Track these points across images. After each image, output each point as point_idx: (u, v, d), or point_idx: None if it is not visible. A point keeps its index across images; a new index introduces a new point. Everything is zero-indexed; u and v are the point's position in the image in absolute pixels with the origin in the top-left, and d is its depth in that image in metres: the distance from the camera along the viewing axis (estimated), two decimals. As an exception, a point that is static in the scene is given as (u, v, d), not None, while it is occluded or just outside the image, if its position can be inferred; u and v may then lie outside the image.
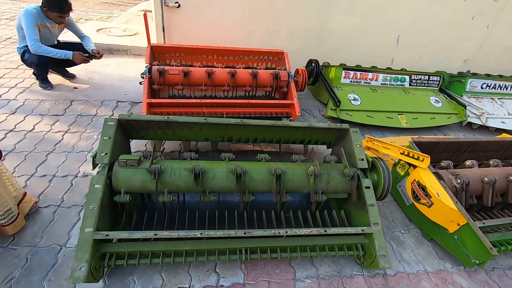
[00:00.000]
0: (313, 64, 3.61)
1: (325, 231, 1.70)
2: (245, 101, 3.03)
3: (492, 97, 4.01)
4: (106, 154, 1.65)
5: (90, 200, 1.52)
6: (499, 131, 3.82)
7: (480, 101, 3.90)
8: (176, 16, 3.69)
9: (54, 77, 3.45)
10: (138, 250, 1.55)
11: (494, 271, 1.98)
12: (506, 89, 4.04)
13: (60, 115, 2.86)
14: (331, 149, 2.42)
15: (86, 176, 2.22)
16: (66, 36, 3.66)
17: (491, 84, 3.97)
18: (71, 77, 3.55)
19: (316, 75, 3.55)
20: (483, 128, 3.83)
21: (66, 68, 3.51)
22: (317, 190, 1.85)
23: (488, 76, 4.11)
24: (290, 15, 3.93)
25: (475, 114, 3.72)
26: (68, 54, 3.08)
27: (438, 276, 1.87)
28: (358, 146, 1.98)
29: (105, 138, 1.71)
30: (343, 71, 3.47)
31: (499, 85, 4.02)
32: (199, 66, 3.15)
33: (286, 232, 1.64)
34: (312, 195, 1.81)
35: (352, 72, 3.51)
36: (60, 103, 3.04)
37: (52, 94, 3.20)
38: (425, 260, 1.98)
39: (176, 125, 1.93)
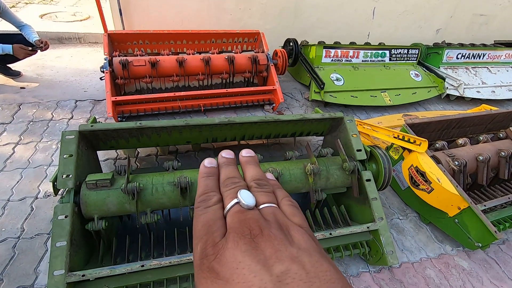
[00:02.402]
0: (291, 44, 3.36)
1: (330, 234, 1.57)
2: (223, 90, 2.77)
3: (466, 66, 4.03)
4: (69, 176, 1.37)
5: (56, 236, 1.26)
6: (474, 101, 3.89)
7: (456, 72, 3.91)
8: (134, -4, 3.23)
9: (-6, 77, 2.94)
10: (124, 285, 1.33)
11: (490, 247, 2.00)
12: (479, 57, 4.08)
13: (8, 123, 2.43)
14: (322, 137, 2.28)
15: (49, 196, 1.90)
16: (1, 26, 3.10)
17: (465, 53, 3.97)
18: (15, 75, 3.02)
19: (296, 56, 3.32)
20: (459, 99, 3.88)
21: (8, 65, 2.98)
22: (317, 189, 1.71)
23: (462, 45, 4.11)
24: (262, -10, 3.61)
25: (453, 85, 3.73)
26: (7, 48, 2.59)
27: (441, 261, 1.85)
28: (355, 135, 1.84)
29: (65, 156, 1.40)
30: (324, 49, 3.27)
31: (472, 54, 4.04)
32: (167, 54, 2.80)
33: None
34: (312, 195, 1.67)
35: (332, 51, 3.32)
36: (5, 109, 2.58)
37: (-6, 97, 2.72)
38: (426, 245, 1.94)
39: (151, 130, 1.65)
